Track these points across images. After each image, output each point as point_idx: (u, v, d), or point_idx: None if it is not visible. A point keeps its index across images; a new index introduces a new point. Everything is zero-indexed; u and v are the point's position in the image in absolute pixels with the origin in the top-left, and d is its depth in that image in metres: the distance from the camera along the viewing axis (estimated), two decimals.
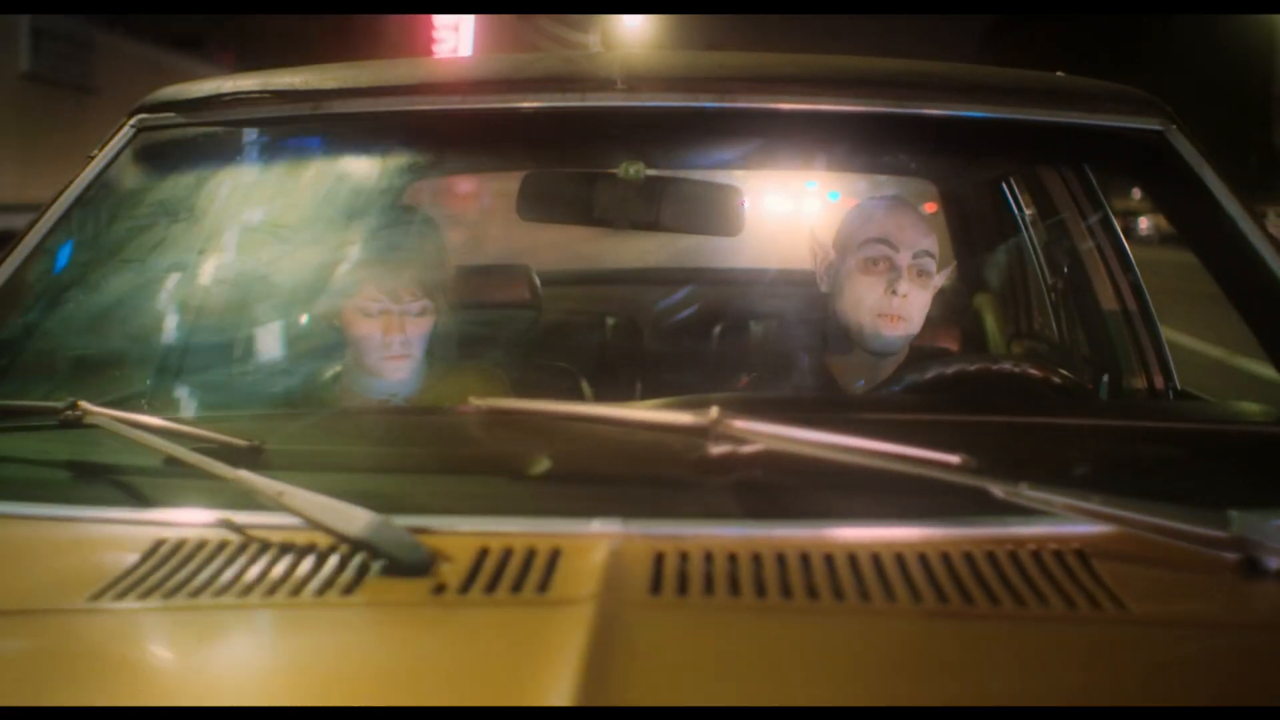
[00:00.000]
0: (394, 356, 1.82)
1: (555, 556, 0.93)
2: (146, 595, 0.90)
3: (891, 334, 1.81)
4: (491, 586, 0.89)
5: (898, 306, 1.80)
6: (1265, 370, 1.48)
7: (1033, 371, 1.74)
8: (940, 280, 1.91)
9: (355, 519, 0.94)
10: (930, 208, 3.19)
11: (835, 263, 1.89)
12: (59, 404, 1.21)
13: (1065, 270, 2.35)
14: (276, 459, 1.13)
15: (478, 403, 1.22)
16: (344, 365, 1.92)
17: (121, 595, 0.90)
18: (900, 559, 0.94)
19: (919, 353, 1.90)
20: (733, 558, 0.93)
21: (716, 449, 1.05)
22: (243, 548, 0.97)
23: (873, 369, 1.86)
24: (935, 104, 1.49)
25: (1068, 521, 0.98)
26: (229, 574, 0.93)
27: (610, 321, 2.98)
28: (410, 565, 0.91)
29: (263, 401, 2.14)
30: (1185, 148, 1.49)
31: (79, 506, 1.08)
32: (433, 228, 1.96)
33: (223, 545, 0.98)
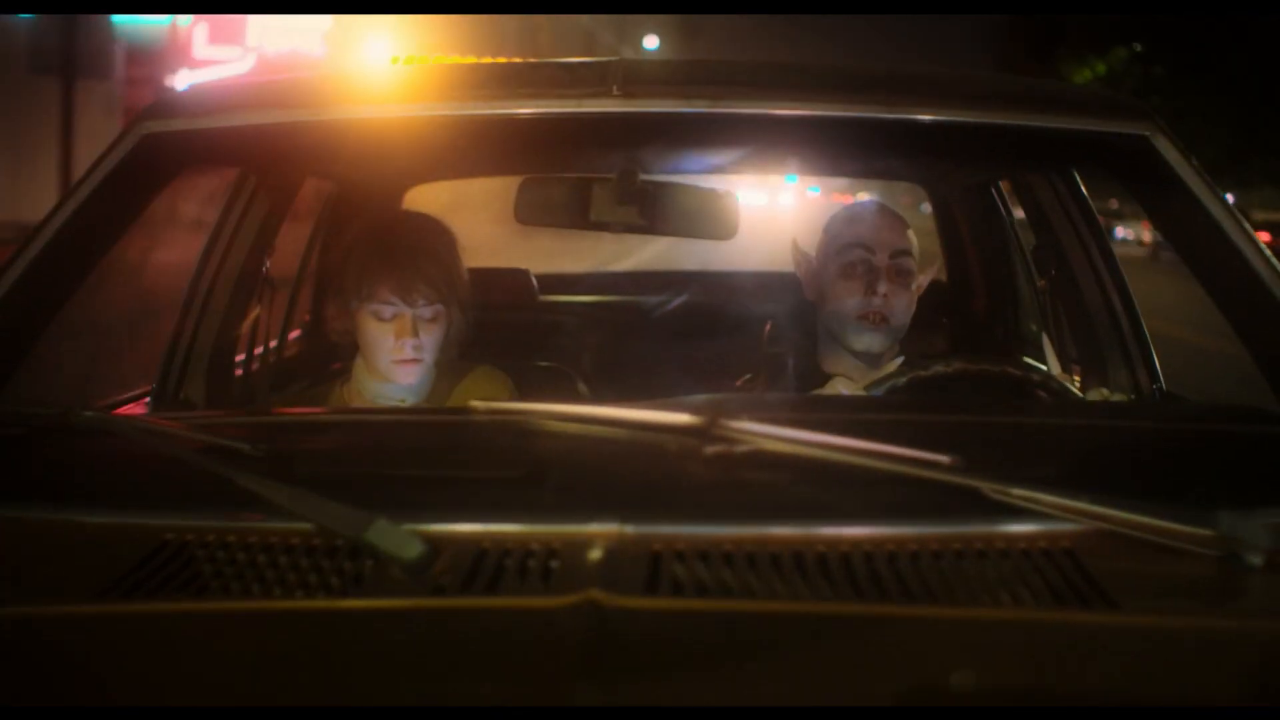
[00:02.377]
0: (404, 360, 1.79)
1: (553, 557, 0.93)
2: (151, 595, 0.90)
3: (875, 334, 1.83)
4: (491, 586, 0.88)
5: (879, 306, 1.82)
6: None
7: (1019, 373, 1.74)
8: (925, 280, 1.92)
9: (357, 520, 0.94)
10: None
11: (818, 270, 1.91)
12: (65, 407, 1.21)
13: (1053, 273, 2.35)
14: (279, 460, 1.13)
15: (479, 404, 1.22)
16: (353, 370, 1.91)
17: (127, 595, 0.90)
18: (893, 558, 0.93)
19: (910, 354, 1.90)
20: (728, 558, 0.93)
21: (712, 450, 1.05)
22: (246, 548, 0.97)
23: (861, 370, 1.87)
24: (925, 109, 1.49)
25: (1056, 521, 0.98)
26: (232, 574, 0.92)
27: (607, 324, 2.98)
28: (411, 565, 0.91)
29: (267, 403, 2.13)
30: (1170, 152, 1.49)
31: (84, 508, 1.07)
32: (447, 232, 1.94)
33: (226, 546, 0.97)
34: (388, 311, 1.79)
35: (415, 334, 1.78)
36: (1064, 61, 32.78)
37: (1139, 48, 31.22)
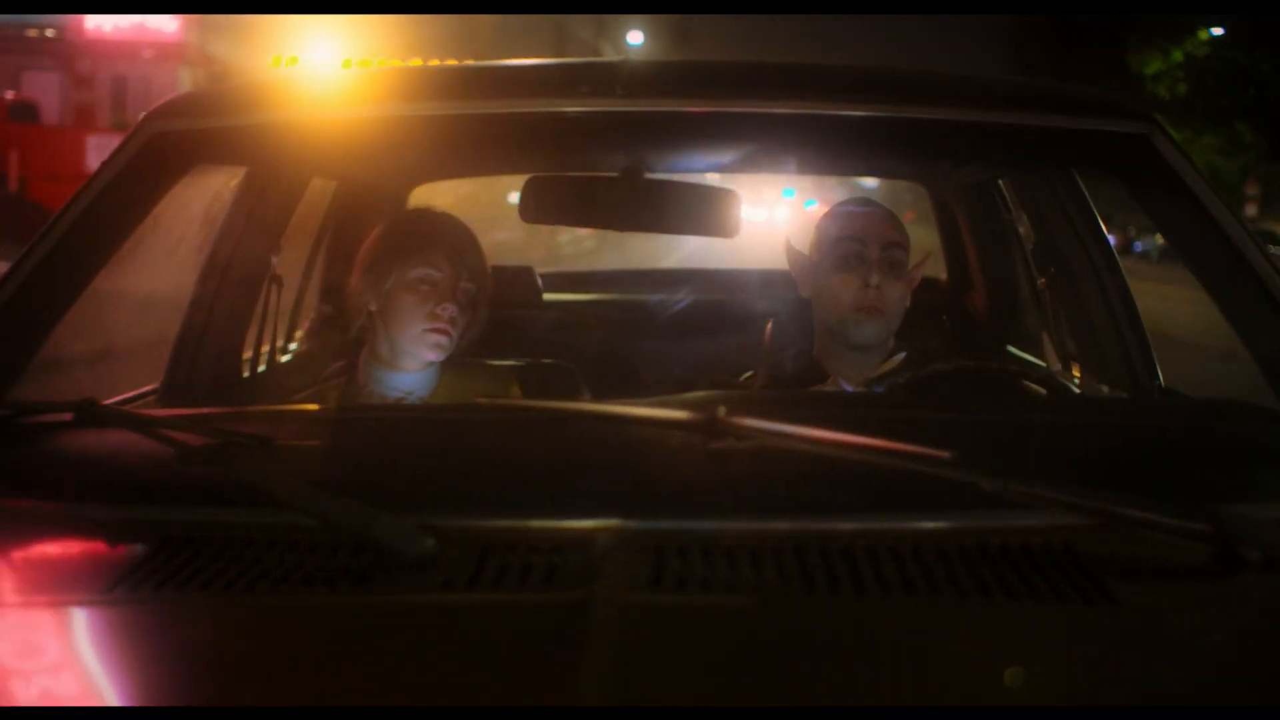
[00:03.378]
0: (438, 329, 1.76)
1: (557, 552, 0.93)
2: (159, 588, 0.90)
3: (870, 326, 1.85)
4: (497, 582, 0.89)
5: (872, 298, 1.84)
6: None
7: (1019, 370, 1.75)
8: (918, 274, 1.93)
9: (363, 515, 0.94)
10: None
11: (812, 267, 1.93)
12: (74, 401, 1.21)
13: (1053, 271, 2.35)
14: (287, 455, 1.13)
15: (483, 401, 1.22)
16: (360, 360, 1.90)
17: (135, 588, 0.90)
18: (894, 552, 0.94)
19: (910, 351, 1.90)
20: (730, 553, 0.93)
21: (715, 446, 1.05)
22: (253, 543, 0.97)
23: (859, 365, 1.88)
24: (926, 108, 1.49)
25: (1055, 515, 0.98)
26: (240, 568, 0.92)
27: (611, 322, 2.98)
28: (417, 560, 0.91)
29: (274, 398, 2.14)
30: (1168, 150, 1.49)
31: (93, 502, 1.08)
32: (472, 234, 1.94)
33: (234, 540, 0.98)
34: (433, 277, 1.77)
35: (455, 299, 1.77)
36: (1134, 52, 29.14)
37: (1220, 31, 27.84)
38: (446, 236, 1.82)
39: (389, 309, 1.80)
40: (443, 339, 1.78)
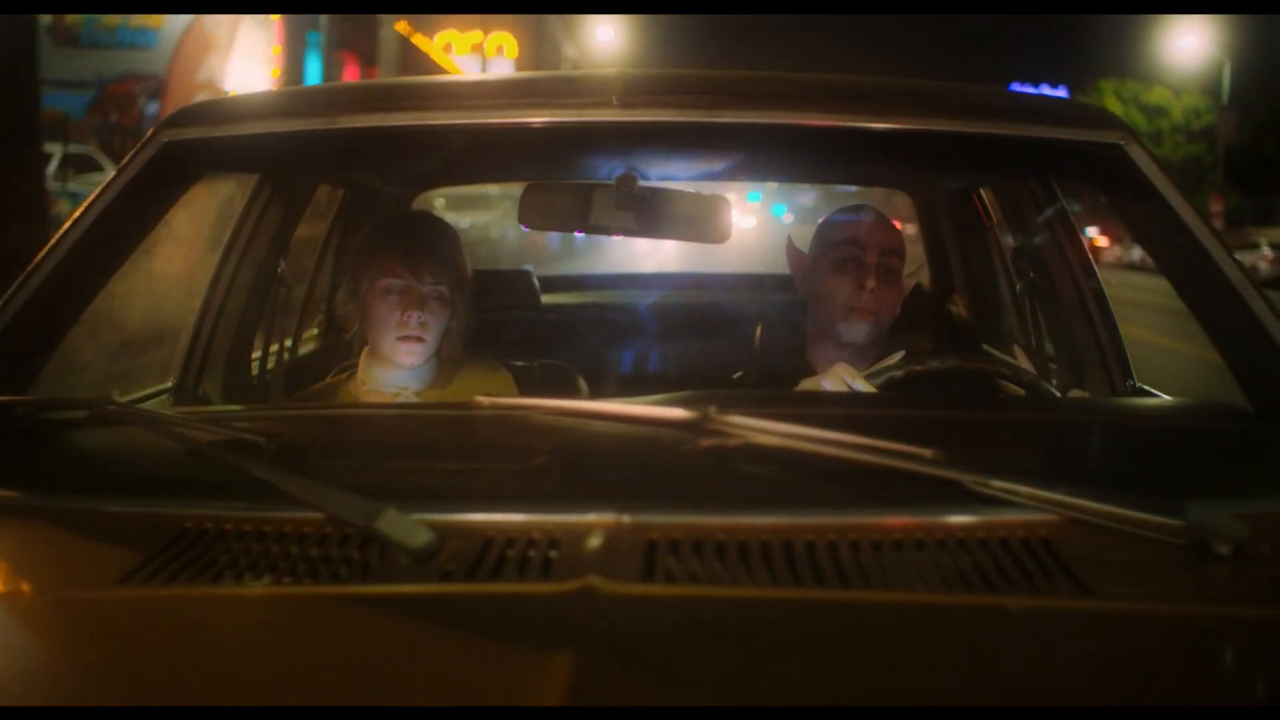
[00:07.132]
0: (408, 336, 1.78)
1: (554, 545, 0.93)
2: (170, 580, 0.90)
3: (861, 326, 1.87)
4: (495, 574, 0.88)
5: (867, 300, 1.85)
6: None
7: (1001, 370, 1.75)
8: (910, 283, 1.94)
9: (367, 509, 0.94)
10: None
11: (810, 266, 1.94)
12: (90, 400, 1.21)
13: (1031, 275, 2.36)
14: (293, 452, 1.13)
15: (483, 400, 1.22)
16: (361, 358, 1.91)
17: (148, 580, 0.90)
18: (877, 547, 0.93)
19: (910, 351, 1.91)
20: (720, 546, 0.93)
21: (706, 443, 1.05)
22: (261, 536, 0.97)
23: (849, 365, 1.88)
24: (910, 119, 1.49)
25: (1033, 511, 0.98)
26: (247, 562, 0.92)
27: (607, 323, 2.98)
28: (418, 553, 0.91)
29: (280, 397, 2.14)
30: (1142, 160, 1.49)
31: (108, 496, 1.07)
32: (455, 231, 1.95)
33: (242, 534, 0.97)
34: (396, 286, 1.78)
35: (421, 307, 1.77)
36: None
37: None
38: (408, 244, 1.82)
39: (366, 317, 1.82)
40: (414, 345, 1.79)
